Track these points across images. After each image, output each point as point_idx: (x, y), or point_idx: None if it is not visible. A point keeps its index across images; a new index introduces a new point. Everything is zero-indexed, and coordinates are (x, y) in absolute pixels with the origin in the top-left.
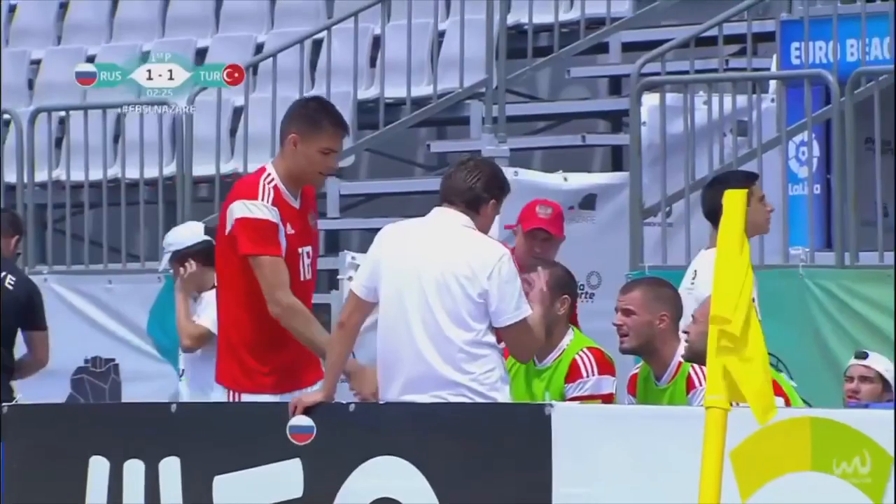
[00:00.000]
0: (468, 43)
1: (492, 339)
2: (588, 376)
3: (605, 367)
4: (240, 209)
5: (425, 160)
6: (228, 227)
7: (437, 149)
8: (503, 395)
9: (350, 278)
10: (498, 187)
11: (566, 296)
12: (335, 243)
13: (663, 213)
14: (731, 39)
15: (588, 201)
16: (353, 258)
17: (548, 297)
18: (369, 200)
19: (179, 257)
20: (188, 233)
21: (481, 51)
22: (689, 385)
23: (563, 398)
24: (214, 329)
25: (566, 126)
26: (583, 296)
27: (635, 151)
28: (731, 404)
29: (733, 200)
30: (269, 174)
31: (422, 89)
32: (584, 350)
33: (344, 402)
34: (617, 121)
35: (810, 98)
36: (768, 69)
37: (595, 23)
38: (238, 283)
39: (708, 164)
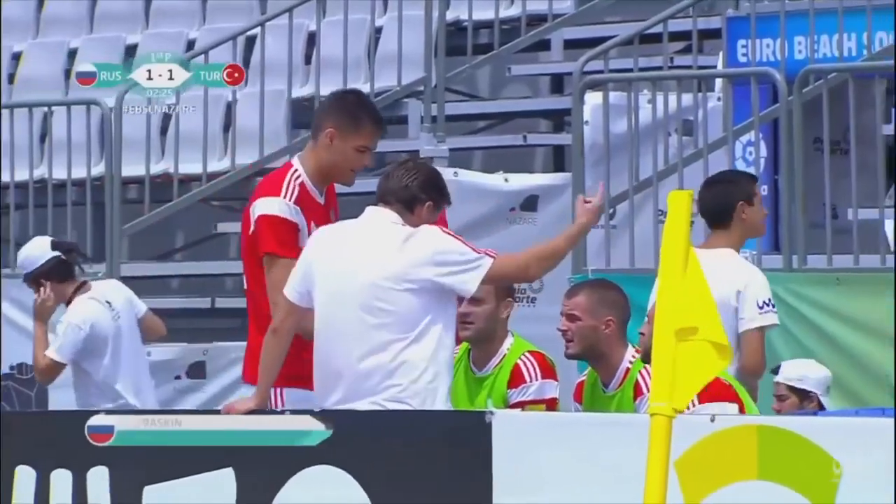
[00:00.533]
0: (406, 40)
1: (431, 344)
2: (531, 381)
3: (548, 371)
4: (262, 206)
5: None
6: (252, 227)
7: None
8: (442, 402)
9: None
10: (436, 189)
11: (510, 299)
12: None
13: (606, 214)
14: (676, 37)
15: (530, 202)
16: None
17: (600, 214)
18: None
19: (33, 279)
20: (37, 251)
21: (420, 48)
22: (637, 391)
23: (506, 405)
24: (59, 358)
25: (507, 125)
26: (524, 300)
27: (578, 151)
28: (676, 411)
29: (678, 201)
30: (295, 170)
31: (358, 87)
32: (526, 354)
33: (278, 409)
34: (559, 120)
35: (757, 97)
36: (714, 67)
37: (536, 19)
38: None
39: (652, 165)
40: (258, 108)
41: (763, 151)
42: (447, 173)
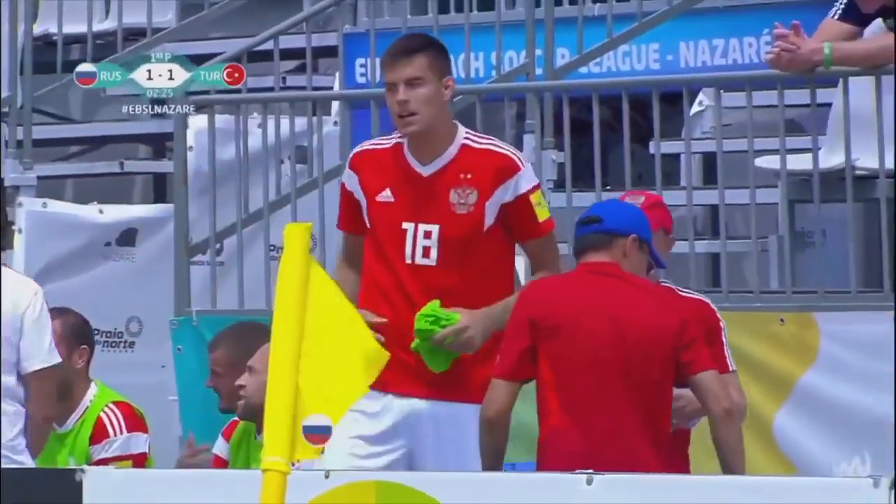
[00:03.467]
0: None
1: (18, 396)
2: (116, 435)
3: (135, 423)
4: None
5: None
6: None
7: None
8: (29, 459)
9: None
10: None
11: (85, 346)
12: None
13: (213, 250)
14: (288, 54)
15: (127, 237)
16: None
17: None
18: None
19: None
20: None
21: (4, 65)
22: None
23: (89, 463)
24: None
25: (102, 151)
26: (122, 345)
27: (181, 180)
28: (291, 466)
29: (295, 235)
30: None
31: None
32: (110, 405)
33: None
34: (160, 145)
35: (378, 121)
36: (330, 88)
37: (135, 34)
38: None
39: (263, 195)
40: None
41: None
42: (35, 204)
